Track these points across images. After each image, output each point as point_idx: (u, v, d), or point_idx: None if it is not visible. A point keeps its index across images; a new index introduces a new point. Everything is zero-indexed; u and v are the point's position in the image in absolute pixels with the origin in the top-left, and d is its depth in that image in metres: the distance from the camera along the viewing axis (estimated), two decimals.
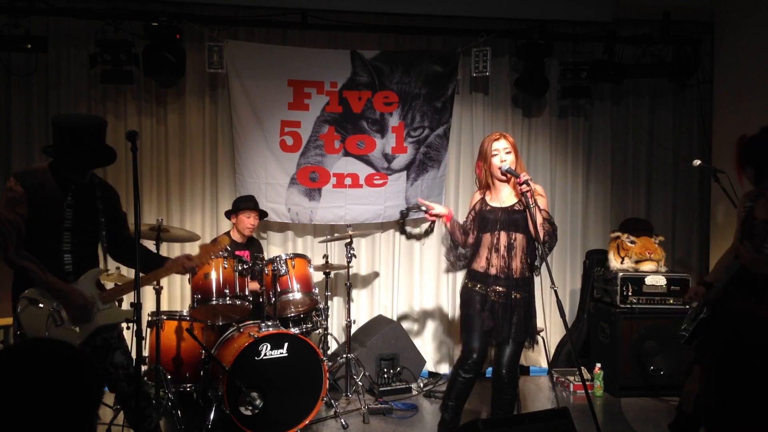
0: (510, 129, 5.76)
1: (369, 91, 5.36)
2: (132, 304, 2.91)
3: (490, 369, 5.39)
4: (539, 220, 3.43)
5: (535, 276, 3.66)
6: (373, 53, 5.38)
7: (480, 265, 3.59)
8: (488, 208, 3.60)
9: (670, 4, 5.47)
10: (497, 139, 3.59)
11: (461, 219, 3.76)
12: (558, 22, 5.56)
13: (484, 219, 3.60)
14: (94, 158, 3.04)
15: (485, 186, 3.67)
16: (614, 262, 5.23)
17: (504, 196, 3.63)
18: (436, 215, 3.65)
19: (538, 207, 3.45)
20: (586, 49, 5.59)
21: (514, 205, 3.58)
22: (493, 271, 3.55)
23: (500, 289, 3.53)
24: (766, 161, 3.35)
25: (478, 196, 3.72)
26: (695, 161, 3.99)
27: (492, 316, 3.53)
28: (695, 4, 5.64)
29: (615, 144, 5.92)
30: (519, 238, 3.55)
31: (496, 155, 3.57)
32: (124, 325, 3.34)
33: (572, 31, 5.60)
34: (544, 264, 3.42)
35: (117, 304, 3.29)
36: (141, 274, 3.08)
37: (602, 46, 5.51)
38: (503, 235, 3.54)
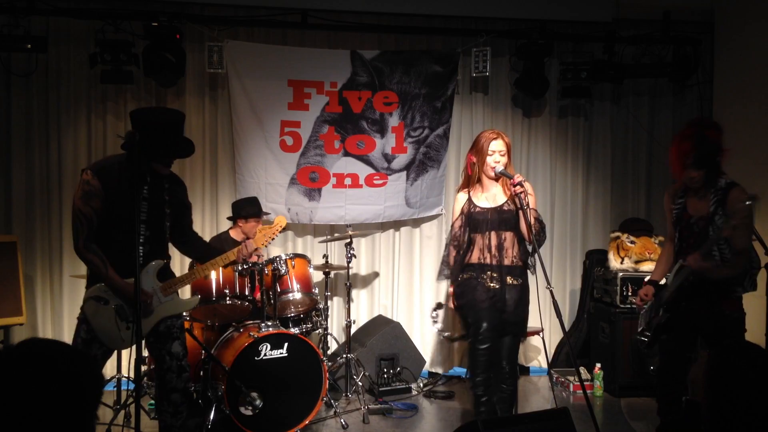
0: (510, 129, 5.76)
1: (369, 91, 5.36)
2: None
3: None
4: (531, 220, 3.45)
5: (530, 273, 3.68)
6: (373, 53, 5.38)
7: (473, 259, 3.64)
8: (477, 209, 3.60)
9: (670, 4, 5.47)
10: (495, 139, 3.59)
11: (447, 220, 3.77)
12: (558, 22, 5.56)
13: (475, 221, 3.61)
14: (177, 150, 3.09)
15: (474, 182, 3.67)
16: (614, 262, 5.23)
17: (493, 195, 3.63)
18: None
19: (530, 208, 3.47)
20: (586, 49, 5.59)
21: (503, 204, 3.59)
22: (487, 262, 3.60)
23: (495, 274, 3.58)
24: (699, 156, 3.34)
25: (463, 197, 3.71)
26: None
27: (491, 300, 3.57)
28: (695, 4, 5.65)
29: (615, 144, 5.92)
30: (509, 237, 3.60)
31: (492, 155, 3.57)
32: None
33: (572, 31, 5.60)
34: (539, 264, 3.42)
35: (178, 294, 3.32)
36: (197, 264, 3.39)
37: (602, 46, 5.51)
38: (494, 235, 3.56)
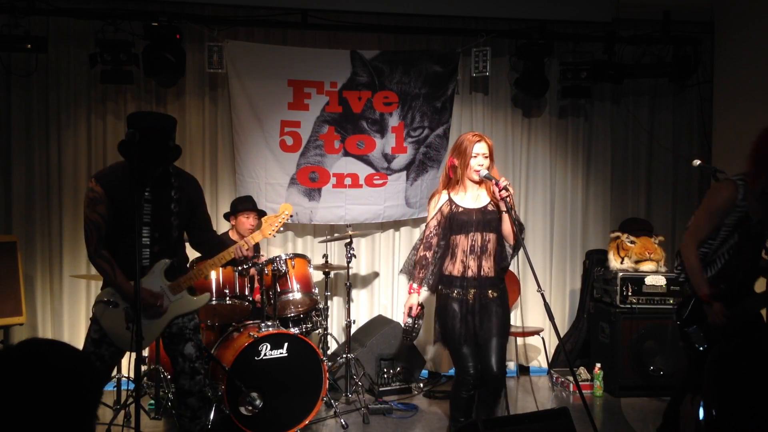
0: (510, 129, 5.77)
1: (369, 91, 5.36)
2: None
3: None
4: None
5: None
6: (373, 53, 5.38)
7: (456, 268, 3.52)
8: (461, 209, 3.52)
9: (670, 4, 5.47)
10: (478, 141, 3.51)
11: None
12: (558, 22, 5.56)
13: (458, 221, 3.51)
14: (156, 156, 3.05)
15: (454, 184, 3.58)
16: (614, 262, 5.23)
17: (476, 195, 3.57)
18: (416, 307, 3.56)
19: (515, 211, 3.43)
20: (586, 49, 5.59)
21: (487, 205, 3.54)
22: (469, 273, 3.49)
23: (475, 290, 3.50)
24: None
25: (443, 198, 3.59)
26: (695, 161, 3.97)
27: (473, 318, 3.49)
28: (695, 4, 5.64)
29: (615, 144, 5.92)
30: (492, 239, 3.52)
31: (476, 158, 3.51)
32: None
33: (572, 31, 5.60)
34: (528, 268, 3.37)
35: (188, 293, 3.30)
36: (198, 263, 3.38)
37: (602, 46, 5.51)
38: (478, 236, 3.50)
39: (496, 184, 3.41)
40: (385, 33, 5.53)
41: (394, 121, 5.42)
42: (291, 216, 3.67)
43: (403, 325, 3.60)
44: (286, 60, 5.28)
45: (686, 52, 5.53)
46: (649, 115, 5.93)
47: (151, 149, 2.99)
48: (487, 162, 3.51)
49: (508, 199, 3.38)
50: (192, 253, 3.60)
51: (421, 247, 3.58)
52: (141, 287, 3.03)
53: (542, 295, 3.24)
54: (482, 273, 3.51)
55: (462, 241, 3.52)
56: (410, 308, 3.54)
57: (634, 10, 5.62)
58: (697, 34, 5.61)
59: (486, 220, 3.52)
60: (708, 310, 3.22)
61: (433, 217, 3.58)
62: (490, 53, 5.42)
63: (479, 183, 3.56)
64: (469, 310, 3.50)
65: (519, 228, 3.50)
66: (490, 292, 3.52)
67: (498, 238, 3.54)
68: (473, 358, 3.50)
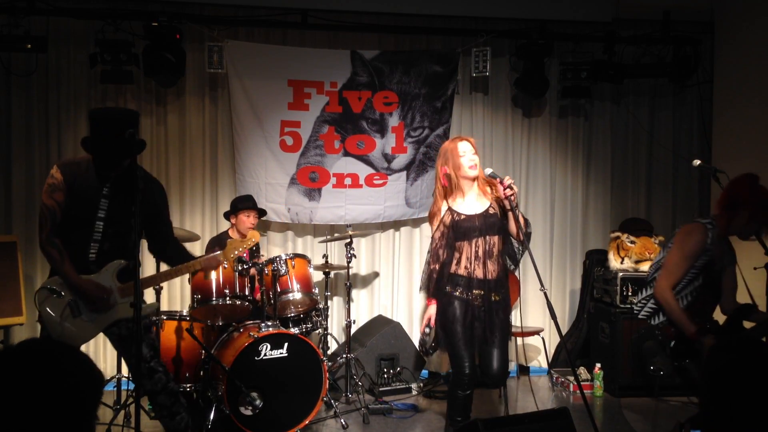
0: (510, 129, 5.77)
1: (369, 91, 5.37)
2: (131, 304, 2.91)
3: None
4: (521, 220, 3.42)
5: (513, 272, 3.63)
6: (373, 53, 5.38)
7: (460, 270, 3.50)
8: (463, 217, 3.49)
9: (670, 4, 5.47)
10: (460, 141, 3.50)
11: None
12: (558, 22, 5.57)
13: (462, 228, 3.48)
14: (120, 150, 3.01)
15: (450, 191, 3.54)
16: (614, 262, 5.23)
17: (475, 199, 3.54)
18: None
19: (518, 208, 3.43)
20: (586, 49, 5.59)
21: (488, 208, 3.51)
22: (473, 276, 3.49)
23: (480, 292, 3.48)
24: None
25: (442, 208, 3.55)
26: (695, 161, 3.97)
27: (477, 321, 3.48)
28: (695, 4, 5.65)
29: (615, 144, 5.92)
30: (497, 241, 3.49)
31: (464, 156, 3.49)
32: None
33: (572, 31, 5.60)
34: (533, 267, 3.35)
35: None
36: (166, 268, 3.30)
37: (602, 46, 5.52)
38: (481, 241, 3.48)
39: (501, 182, 3.40)
40: (385, 33, 5.53)
41: (394, 121, 5.42)
42: (257, 243, 3.66)
43: (419, 335, 3.60)
44: (286, 60, 5.28)
45: (686, 52, 5.53)
46: (649, 115, 5.93)
47: (116, 142, 2.95)
48: (476, 158, 3.51)
49: (512, 197, 3.38)
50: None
51: (431, 261, 3.58)
52: (89, 280, 3.05)
53: (545, 293, 3.24)
54: (487, 276, 3.49)
55: (466, 248, 3.49)
56: (429, 319, 3.54)
57: (634, 10, 5.62)
58: (697, 34, 5.61)
59: (489, 224, 3.48)
60: (700, 346, 3.24)
61: (436, 229, 3.55)
62: (490, 53, 5.42)
63: (472, 181, 3.52)
64: (474, 314, 3.48)
65: (525, 222, 3.49)
66: (493, 295, 3.50)
67: (502, 239, 3.53)
68: (470, 359, 3.49)
